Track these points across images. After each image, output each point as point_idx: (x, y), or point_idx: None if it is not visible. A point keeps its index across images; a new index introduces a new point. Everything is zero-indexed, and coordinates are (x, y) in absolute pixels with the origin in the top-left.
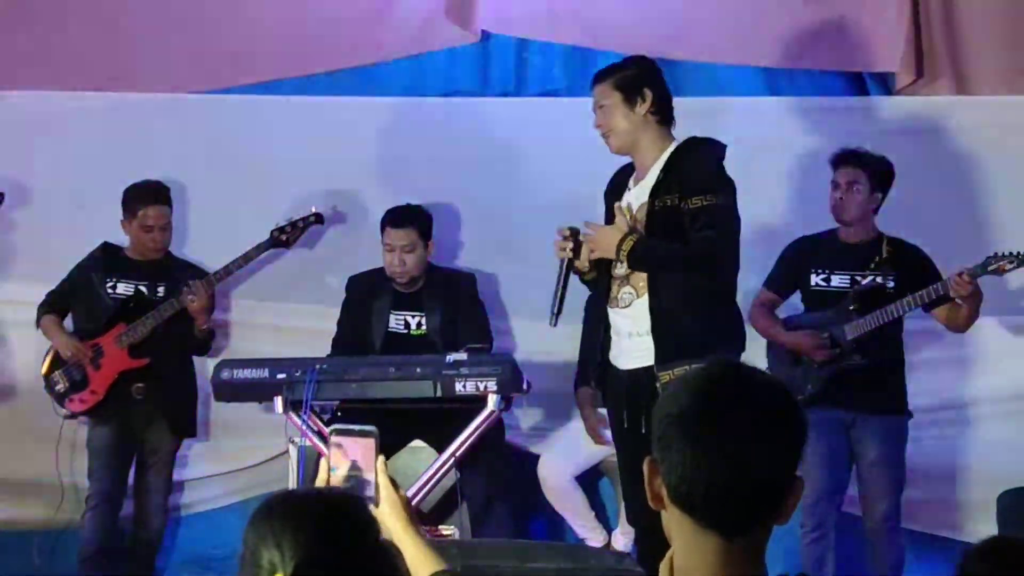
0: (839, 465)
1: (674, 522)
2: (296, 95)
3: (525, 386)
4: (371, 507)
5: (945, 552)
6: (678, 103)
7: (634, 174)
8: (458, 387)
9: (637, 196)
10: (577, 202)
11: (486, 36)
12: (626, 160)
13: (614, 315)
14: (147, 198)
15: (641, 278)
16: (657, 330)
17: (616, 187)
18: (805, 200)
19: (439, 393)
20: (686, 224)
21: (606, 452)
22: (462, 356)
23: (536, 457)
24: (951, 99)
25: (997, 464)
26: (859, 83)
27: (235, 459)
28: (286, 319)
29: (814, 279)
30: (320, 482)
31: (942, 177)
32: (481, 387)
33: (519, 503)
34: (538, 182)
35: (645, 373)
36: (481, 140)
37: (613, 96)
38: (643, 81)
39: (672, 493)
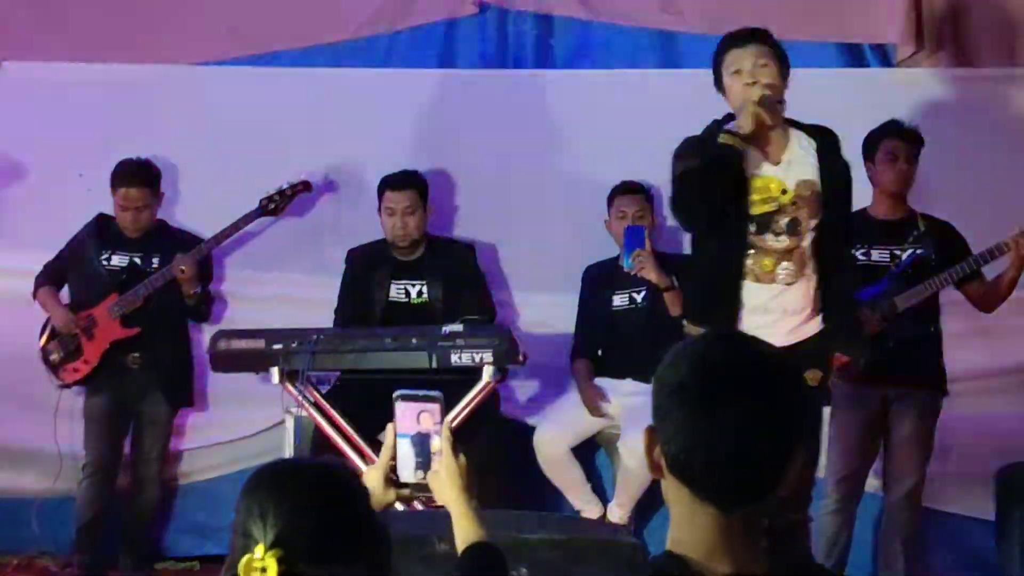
0: (873, 443)
1: (672, 492)
2: (295, 67)
3: (521, 358)
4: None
5: (944, 526)
6: (677, 75)
7: (749, 150)
8: (454, 358)
9: (786, 172)
10: (575, 170)
11: (484, 7)
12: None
13: (767, 290)
14: (126, 179)
15: (806, 255)
16: (833, 310)
17: (704, 149)
18: None
19: (435, 365)
20: (840, 209)
21: (603, 424)
22: (458, 327)
23: (532, 429)
24: (951, 71)
25: (997, 438)
26: (858, 55)
27: (233, 429)
28: (283, 288)
29: (854, 254)
30: (386, 448)
31: (943, 150)
32: (477, 359)
33: (515, 475)
34: (535, 154)
35: (804, 348)
36: (478, 110)
37: (774, 62)
38: (788, 62)
39: (670, 463)
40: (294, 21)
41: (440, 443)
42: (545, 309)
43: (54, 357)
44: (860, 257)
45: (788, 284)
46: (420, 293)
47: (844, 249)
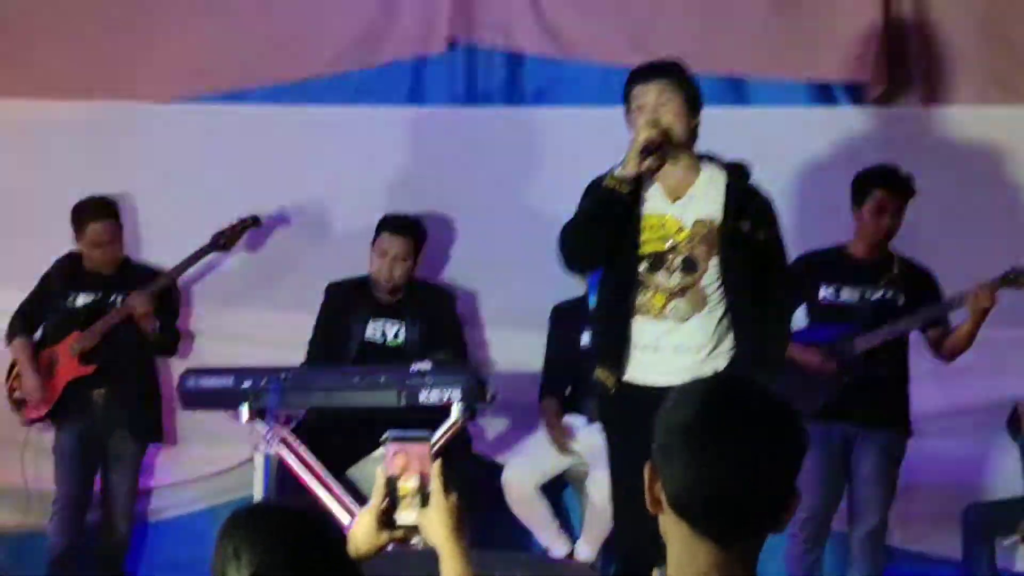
0: (836, 481)
1: (670, 527)
2: (263, 104)
3: (489, 396)
4: (415, 512)
5: (911, 565)
6: None
7: (653, 185)
8: (422, 396)
9: (684, 210)
10: (544, 208)
11: (453, 45)
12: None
13: (655, 326)
14: (94, 214)
15: (705, 293)
16: (741, 348)
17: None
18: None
19: (403, 402)
20: (754, 251)
21: (571, 462)
22: (426, 366)
23: (502, 467)
24: (922, 110)
25: (964, 477)
26: (828, 93)
27: (204, 465)
28: (250, 324)
29: (823, 292)
30: (378, 490)
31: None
32: (445, 397)
33: (484, 513)
34: (504, 191)
35: None
36: (447, 148)
37: (678, 97)
38: (699, 94)
39: (672, 500)
40: (262, 59)
41: (423, 484)
42: (515, 346)
43: (17, 394)
44: (829, 296)
45: (681, 321)
46: (397, 335)
47: (759, 285)
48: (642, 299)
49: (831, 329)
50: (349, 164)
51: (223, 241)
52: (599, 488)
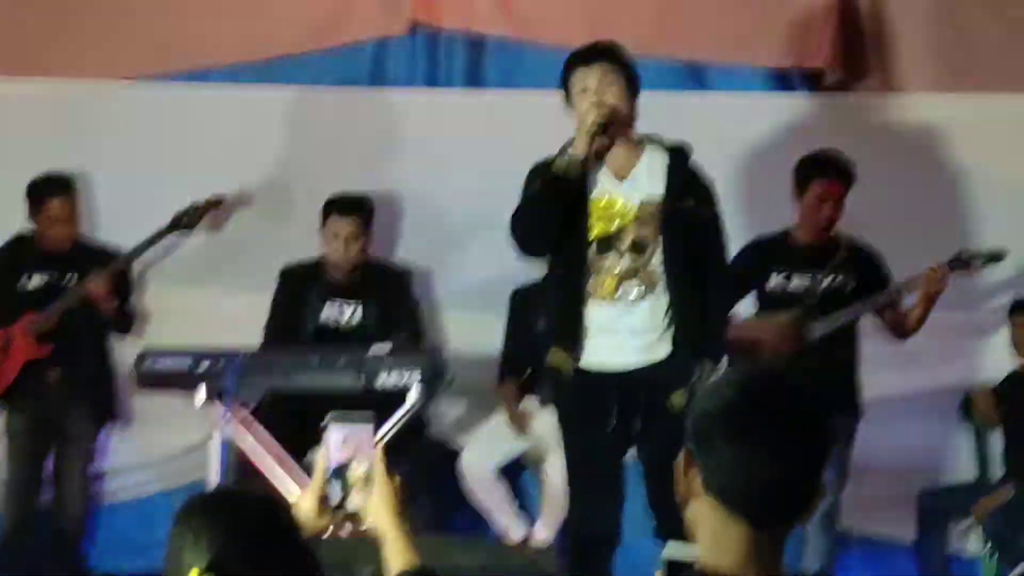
0: None
1: (704, 512)
2: (224, 83)
3: (448, 379)
4: (362, 496)
5: (866, 549)
6: None
7: (599, 168)
8: (381, 379)
9: (630, 190)
10: (504, 193)
11: (415, 27)
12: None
13: (608, 310)
14: (52, 190)
15: (655, 274)
16: (685, 328)
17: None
18: (728, 197)
19: (362, 385)
20: (696, 229)
21: (529, 445)
22: (386, 348)
23: (460, 450)
24: (878, 96)
25: (918, 461)
26: (786, 80)
27: (160, 446)
28: (207, 304)
29: (774, 280)
30: (318, 473)
31: (868, 175)
32: (404, 379)
33: (441, 496)
34: (465, 174)
35: (652, 371)
36: (409, 130)
37: (620, 79)
38: (638, 76)
39: (711, 484)
40: (224, 38)
41: (370, 467)
42: (474, 330)
43: None
44: (780, 282)
45: (634, 303)
46: (352, 317)
47: (702, 264)
48: (594, 283)
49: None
50: (310, 145)
51: (185, 221)
52: (557, 471)
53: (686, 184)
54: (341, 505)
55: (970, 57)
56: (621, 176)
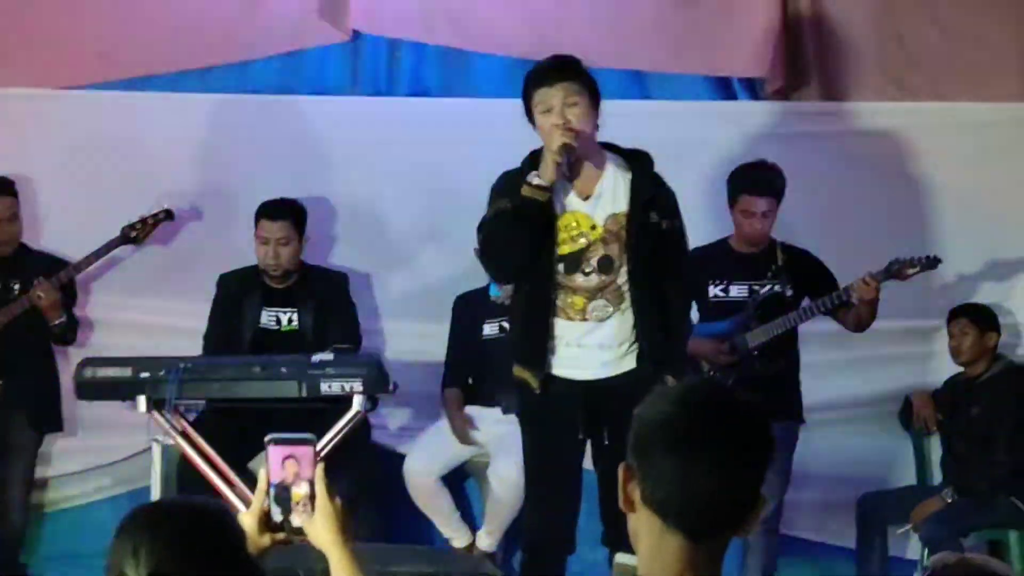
0: None
1: (643, 524)
2: (166, 91)
3: (391, 386)
4: (305, 515)
5: (806, 553)
6: None
7: (564, 186)
8: (323, 387)
9: (595, 207)
10: (447, 200)
11: (357, 35)
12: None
13: (577, 327)
14: None
15: (622, 291)
16: (651, 343)
17: (516, 189)
18: None
19: (304, 393)
20: (660, 242)
21: (472, 452)
22: (328, 356)
23: (403, 457)
24: (819, 105)
25: (858, 467)
26: (727, 88)
27: (102, 455)
28: (150, 314)
29: (712, 290)
30: (259, 492)
31: (808, 183)
32: (347, 387)
33: (385, 504)
34: (409, 182)
35: (618, 381)
36: (352, 139)
37: (584, 98)
38: (599, 89)
39: (648, 498)
40: (164, 46)
41: (311, 488)
42: (417, 338)
43: None
44: (719, 293)
45: (601, 320)
46: (291, 321)
47: (666, 276)
48: (562, 301)
49: (723, 325)
50: (252, 153)
51: (135, 234)
52: (500, 478)
53: (650, 197)
54: (283, 524)
55: (910, 66)
56: (585, 195)
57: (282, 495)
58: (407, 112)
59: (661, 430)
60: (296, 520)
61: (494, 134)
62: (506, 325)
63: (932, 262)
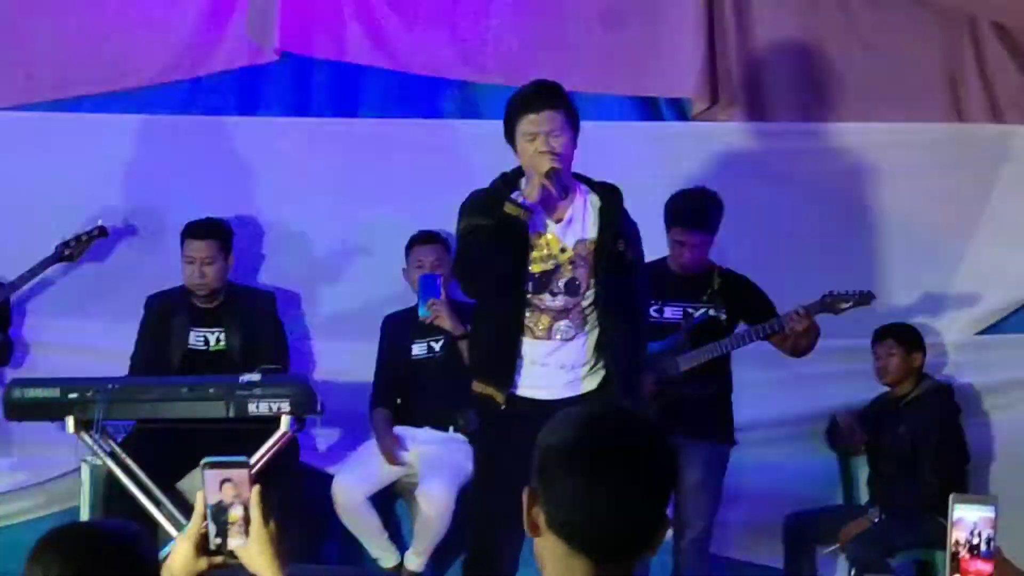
0: None
1: (548, 549)
2: (96, 112)
3: (319, 407)
4: (240, 539)
5: (735, 573)
6: (477, 125)
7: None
8: (251, 408)
9: (565, 231)
10: (375, 220)
11: (285, 55)
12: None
13: (540, 346)
14: None
15: (586, 313)
16: (616, 366)
17: (491, 207)
18: None
19: (232, 414)
20: (626, 271)
21: (401, 472)
22: (256, 377)
23: (332, 477)
24: (745, 125)
25: (785, 486)
26: (655, 108)
27: (32, 475)
28: (83, 335)
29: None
30: (196, 516)
31: (735, 203)
32: (274, 408)
33: (314, 524)
34: (337, 202)
35: (579, 402)
36: (280, 158)
37: (568, 128)
38: (578, 115)
39: (551, 522)
40: (94, 66)
41: (246, 511)
42: (346, 357)
43: None
44: (653, 314)
45: (565, 340)
46: (219, 340)
47: (629, 305)
48: (529, 320)
49: (656, 346)
50: (181, 173)
51: (69, 252)
52: (428, 498)
53: (619, 227)
54: (219, 548)
55: (838, 87)
56: (557, 218)
57: (219, 518)
58: (334, 132)
59: (563, 454)
60: (231, 543)
61: (421, 154)
62: (434, 345)
63: (866, 297)
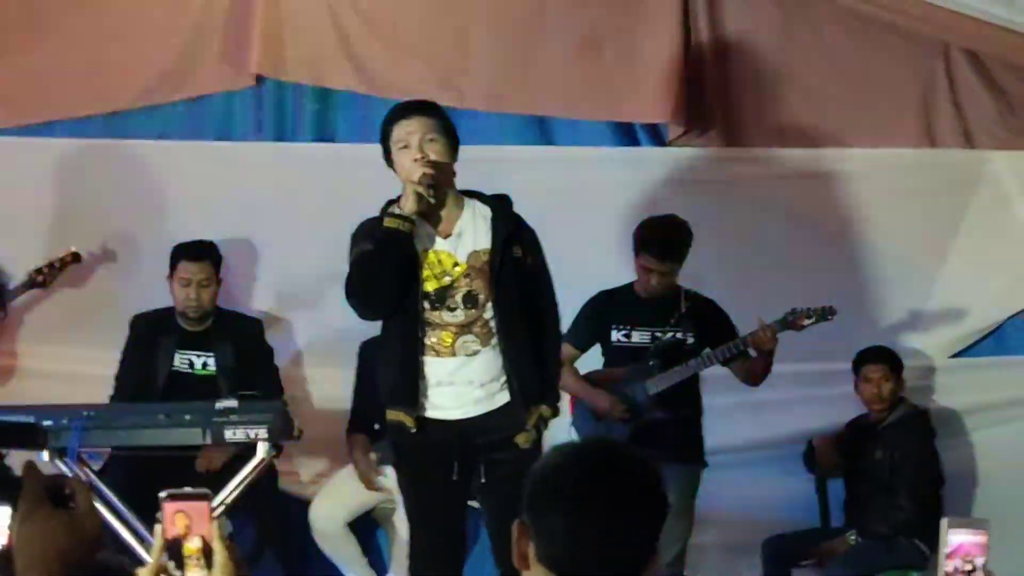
0: None
1: None
2: (71, 137)
3: (296, 433)
4: (199, 571)
5: None
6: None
7: (423, 225)
8: (228, 434)
9: (456, 245)
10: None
11: (261, 80)
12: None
13: (446, 364)
14: None
15: (489, 326)
16: (521, 376)
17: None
18: (572, 249)
19: (208, 440)
20: (525, 276)
21: (379, 498)
22: (232, 403)
23: (310, 504)
24: (721, 151)
25: (761, 509)
26: (631, 134)
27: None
28: (63, 362)
29: (615, 335)
30: (155, 548)
31: (710, 229)
32: (251, 434)
33: (292, 550)
34: (317, 225)
35: (492, 417)
36: (257, 183)
37: (442, 135)
38: (457, 136)
39: (541, 555)
40: (69, 91)
41: (203, 543)
42: (327, 383)
43: None
44: (621, 338)
45: (470, 355)
46: (205, 365)
47: (535, 311)
48: (431, 339)
49: (624, 371)
50: (158, 198)
51: (41, 279)
52: (406, 524)
53: (512, 234)
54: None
55: (812, 112)
56: (446, 233)
57: (174, 550)
58: (312, 157)
59: (553, 488)
60: (191, 575)
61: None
62: None
63: (826, 312)
